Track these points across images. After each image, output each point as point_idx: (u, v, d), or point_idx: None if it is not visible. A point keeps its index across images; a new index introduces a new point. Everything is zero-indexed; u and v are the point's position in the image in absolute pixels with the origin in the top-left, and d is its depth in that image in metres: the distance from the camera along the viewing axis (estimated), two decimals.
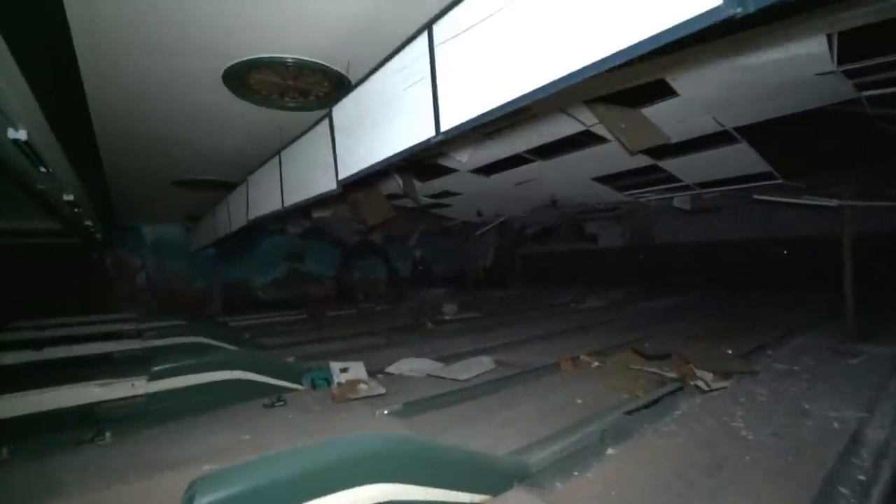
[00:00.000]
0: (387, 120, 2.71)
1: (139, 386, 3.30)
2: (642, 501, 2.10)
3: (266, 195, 4.72)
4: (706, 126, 4.36)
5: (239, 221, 5.57)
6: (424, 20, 2.33)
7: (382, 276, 13.03)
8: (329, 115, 3.43)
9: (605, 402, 3.37)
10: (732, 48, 3.06)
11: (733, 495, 2.11)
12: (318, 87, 3.59)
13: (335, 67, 3.14)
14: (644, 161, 5.44)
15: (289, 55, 3.04)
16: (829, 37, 2.80)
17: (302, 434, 2.96)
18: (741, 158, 5.01)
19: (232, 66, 3.15)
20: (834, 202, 5.39)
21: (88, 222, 5.76)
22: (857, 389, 3.40)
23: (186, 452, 2.71)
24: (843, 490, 2.11)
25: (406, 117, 2.54)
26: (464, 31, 2.11)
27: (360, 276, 12.64)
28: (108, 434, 3.01)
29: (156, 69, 3.07)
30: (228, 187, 5.95)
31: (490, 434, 2.94)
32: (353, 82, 3.13)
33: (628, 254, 12.15)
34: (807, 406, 3.09)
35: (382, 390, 3.80)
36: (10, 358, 4.49)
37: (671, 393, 3.46)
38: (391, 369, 4.57)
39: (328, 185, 3.49)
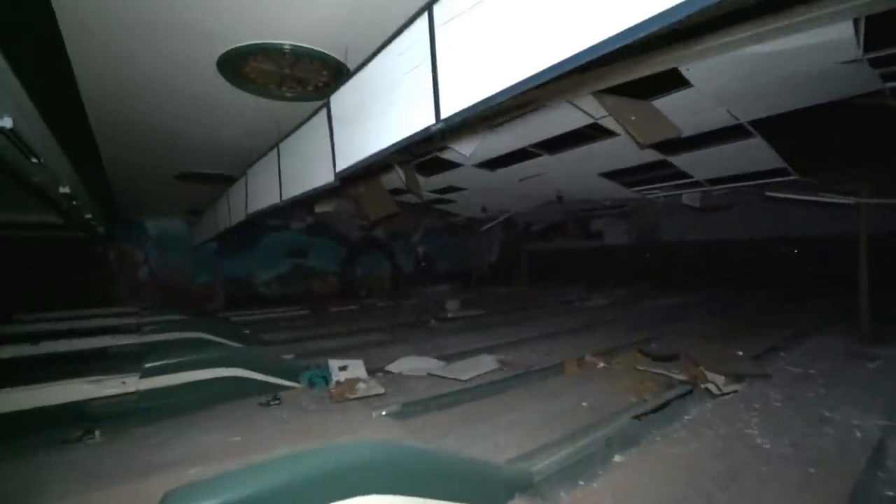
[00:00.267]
0: (385, 108, 2.57)
1: (130, 383, 3.20)
2: None
3: (264, 189, 4.59)
4: (720, 119, 4.18)
5: (238, 216, 5.46)
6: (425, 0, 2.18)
7: (386, 272, 12.96)
8: (327, 105, 3.28)
9: (612, 406, 3.24)
10: (750, 35, 2.87)
11: None
12: (316, 76, 3.46)
13: (333, 54, 3.01)
14: (653, 156, 5.27)
15: (285, 41, 2.91)
16: (856, 22, 2.61)
17: (295, 435, 2.85)
18: (755, 154, 4.82)
19: (227, 53, 3.03)
20: (850, 199, 5.18)
21: (89, 215, 5.67)
22: (876, 395, 3.23)
23: (175, 454, 2.59)
24: None
25: (405, 105, 2.39)
26: (466, 11, 1.96)
27: (364, 273, 12.58)
28: (97, 433, 2.91)
29: (147, 53, 2.95)
30: (228, 181, 5.85)
31: (491, 438, 2.82)
32: (352, 69, 2.98)
33: (634, 252, 11.97)
34: (826, 413, 2.92)
35: (381, 390, 3.70)
36: (7, 352, 4.40)
37: (680, 396, 3.31)
38: (392, 368, 4.47)
39: (326, 177, 3.35)
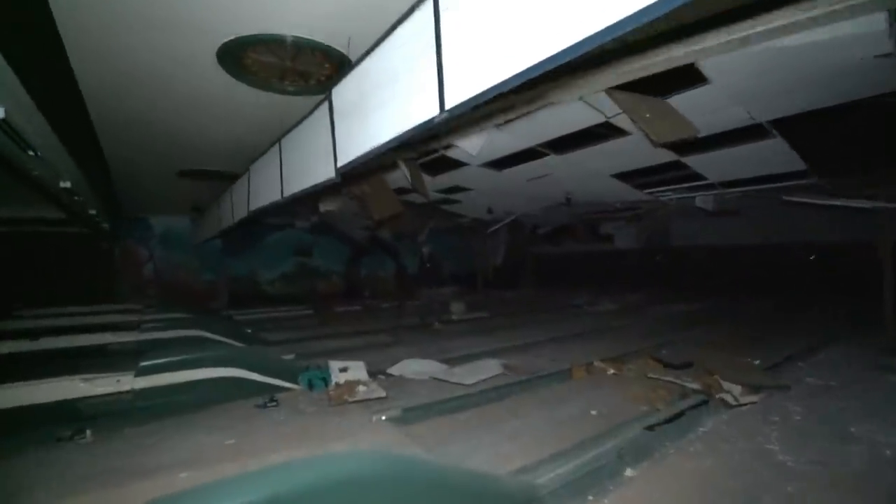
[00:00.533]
0: (387, 100, 2.47)
1: (125, 381, 3.12)
2: None
3: (266, 185, 4.55)
4: (738, 118, 4.03)
5: (241, 212, 5.42)
6: None
7: (390, 273, 12.91)
8: (328, 99, 3.21)
9: (623, 414, 3.11)
10: (773, 27, 2.73)
11: None
12: (318, 70, 3.36)
13: (335, 45, 2.91)
14: (667, 157, 5.12)
15: (286, 32, 2.82)
16: (891, 13, 2.46)
17: (290, 439, 2.75)
18: (773, 155, 4.65)
19: (227, 44, 2.94)
20: (871, 204, 5.00)
21: (93, 211, 5.63)
22: None
23: (166, 456, 2.51)
24: None
25: (407, 95, 2.29)
26: None
27: (368, 273, 12.52)
28: (88, 432, 2.83)
29: (145, 48, 2.88)
30: (231, 178, 5.80)
31: (495, 447, 2.70)
32: (354, 61, 2.89)
33: (645, 256, 11.76)
34: (851, 429, 2.76)
35: (382, 393, 3.62)
36: (5, 347, 4.35)
37: (695, 407, 3.15)
38: (393, 370, 4.38)
39: (327, 173, 3.28)
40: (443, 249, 13.37)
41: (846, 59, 2.97)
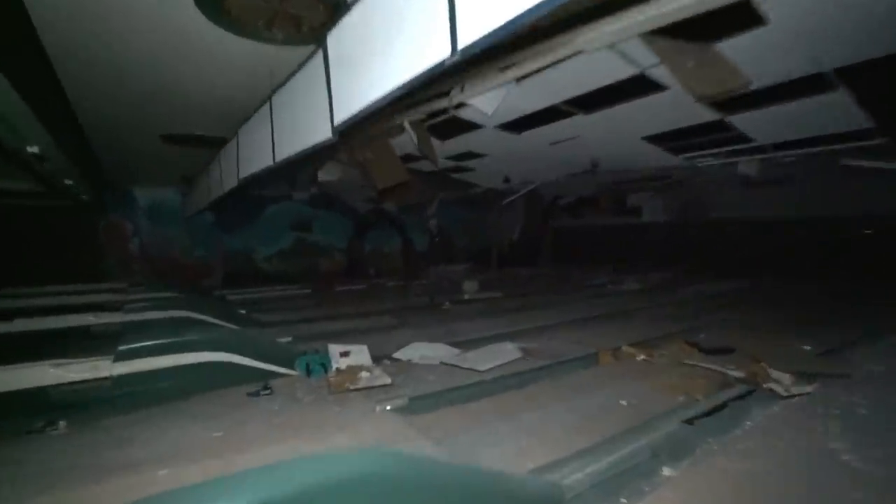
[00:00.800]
0: (389, 43, 2.27)
1: (103, 367, 3.05)
2: None
3: (257, 150, 4.40)
4: (796, 67, 3.74)
5: (230, 182, 5.30)
6: None
7: (396, 249, 12.87)
8: (323, 47, 3.00)
9: (657, 406, 2.99)
10: None
11: None
12: (310, 14, 3.14)
13: None
14: (708, 115, 4.86)
15: None
16: None
17: (284, 431, 2.67)
18: (835, 111, 4.35)
19: None
20: None
21: (69, 181, 5.53)
22: None
23: (146, 450, 2.43)
24: None
25: (413, 36, 2.09)
26: None
27: (372, 249, 12.50)
28: (62, 424, 2.78)
29: None
30: (220, 143, 5.65)
31: (513, 442, 2.59)
32: (350, 0, 2.66)
33: (675, 230, 11.53)
34: None
35: (387, 380, 3.55)
36: None
37: (739, 398, 3.03)
38: (399, 355, 4.33)
39: (323, 133, 3.12)
40: (453, 223, 13.27)
41: None
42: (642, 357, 4.15)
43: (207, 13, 3.02)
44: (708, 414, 2.82)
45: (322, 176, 8.04)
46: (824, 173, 6.73)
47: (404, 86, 2.24)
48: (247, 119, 4.71)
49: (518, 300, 7.95)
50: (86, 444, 2.51)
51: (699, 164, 6.55)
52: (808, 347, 3.98)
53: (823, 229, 8.78)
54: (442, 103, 4.77)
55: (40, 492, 1.97)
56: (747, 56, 3.57)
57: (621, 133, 5.80)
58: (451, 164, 8.06)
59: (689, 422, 2.70)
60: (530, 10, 1.55)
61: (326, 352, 3.94)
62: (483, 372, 3.73)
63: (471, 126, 5.89)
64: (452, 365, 3.98)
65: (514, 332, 5.20)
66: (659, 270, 10.55)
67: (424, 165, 7.83)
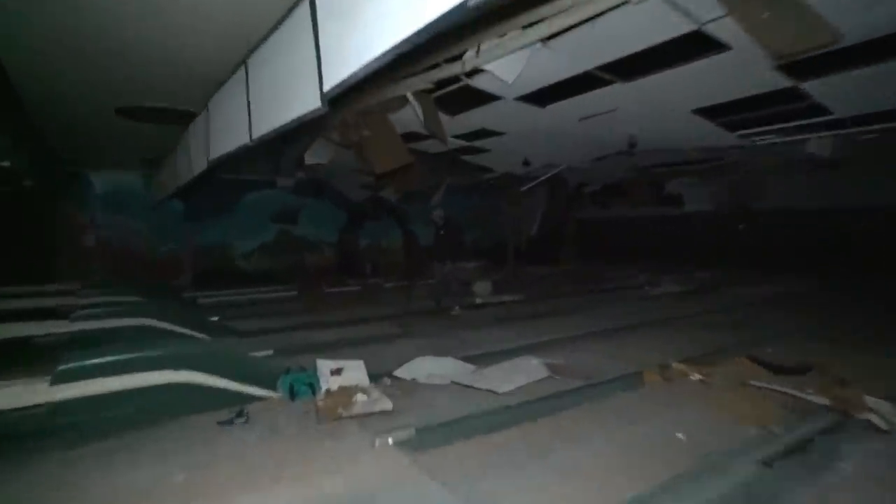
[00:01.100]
0: None
1: (39, 391, 2.86)
2: None
3: (230, 125, 4.24)
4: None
5: (200, 164, 5.15)
6: None
7: (397, 243, 12.87)
8: None
9: (723, 440, 2.82)
10: None
11: None
12: None
13: None
14: (778, 81, 4.64)
15: None
16: None
17: (261, 474, 2.49)
18: None
19: None
20: None
21: (4, 162, 5.35)
22: None
23: (86, 500, 2.24)
24: None
25: None
26: None
27: (369, 244, 12.50)
28: None
29: None
30: (187, 118, 5.46)
31: (544, 488, 2.40)
32: None
33: (722, 222, 11.49)
34: None
35: (388, 405, 3.46)
36: None
37: (828, 430, 2.83)
38: (402, 372, 4.25)
39: (310, 101, 2.90)
40: (463, 213, 13.15)
41: None
42: (697, 376, 4.01)
43: None
44: (790, 452, 2.61)
45: (310, 158, 7.88)
46: None
47: (412, 38, 2.01)
48: (219, 86, 4.52)
49: (539, 304, 7.94)
50: (12, 492, 2.32)
51: (758, 143, 6.34)
52: None
53: None
54: (453, 69, 4.58)
55: None
56: (832, 4, 3.32)
57: (666, 105, 5.60)
58: (462, 143, 7.91)
59: (768, 463, 2.48)
60: None
61: (314, 369, 3.85)
62: (504, 395, 3.64)
63: (487, 97, 5.72)
64: (466, 385, 3.90)
65: (538, 344, 5.15)
66: (704, 269, 10.49)
67: (430, 146, 7.72)
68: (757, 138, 6.20)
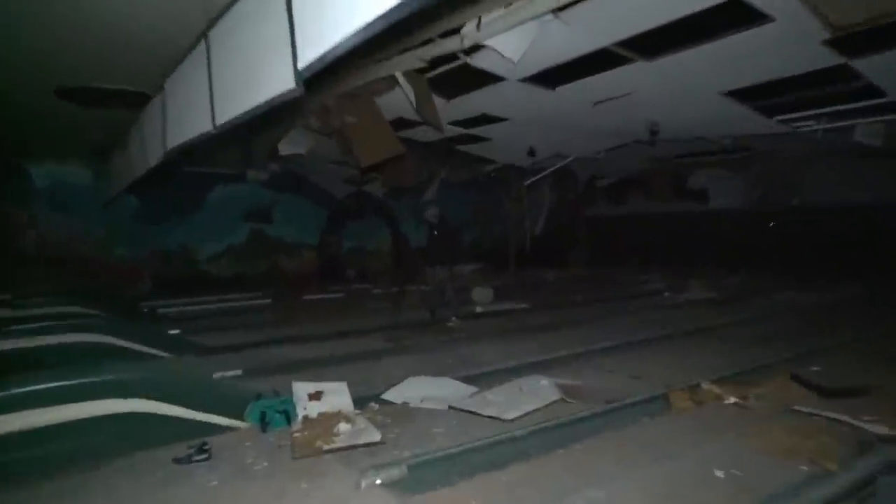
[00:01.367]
0: None
1: None
2: None
3: (190, 109, 4.28)
4: None
5: (155, 154, 5.17)
6: None
7: (385, 245, 12.94)
8: None
9: (770, 479, 2.75)
10: None
11: None
12: None
13: None
14: (828, 59, 4.67)
15: None
16: None
17: None
18: None
19: None
20: None
21: None
22: None
23: None
24: None
25: None
26: None
27: (353, 246, 12.55)
28: None
29: None
30: (141, 101, 5.45)
31: None
32: None
33: (753, 220, 11.60)
34: None
35: (376, 435, 3.46)
36: None
37: (893, 467, 2.75)
38: (392, 395, 4.25)
39: (282, 81, 2.89)
40: (460, 210, 13.23)
41: None
42: (732, 399, 3.99)
43: None
44: (849, 496, 2.53)
45: (285, 148, 7.91)
46: None
47: (403, 4, 1.95)
48: (177, 64, 4.52)
49: (547, 314, 7.95)
50: None
51: (800, 130, 6.38)
52: None
53: None
54: (450, 45, 4.60)
55: None
56: None
57: (694, 87, 5.65)
58: (460, 131, 7.94)
59: None
60: None
61: (290, 393, 3.84)
62: (511, 421, 3.64)
63: (488, 78, 5.75)
64: (467, 411, 3.89)
65: (547, 361, 5.15)
66: (732, 272, 10.55)
67: (423, 133, 7.75)
68: (799, 124, 6.24)
